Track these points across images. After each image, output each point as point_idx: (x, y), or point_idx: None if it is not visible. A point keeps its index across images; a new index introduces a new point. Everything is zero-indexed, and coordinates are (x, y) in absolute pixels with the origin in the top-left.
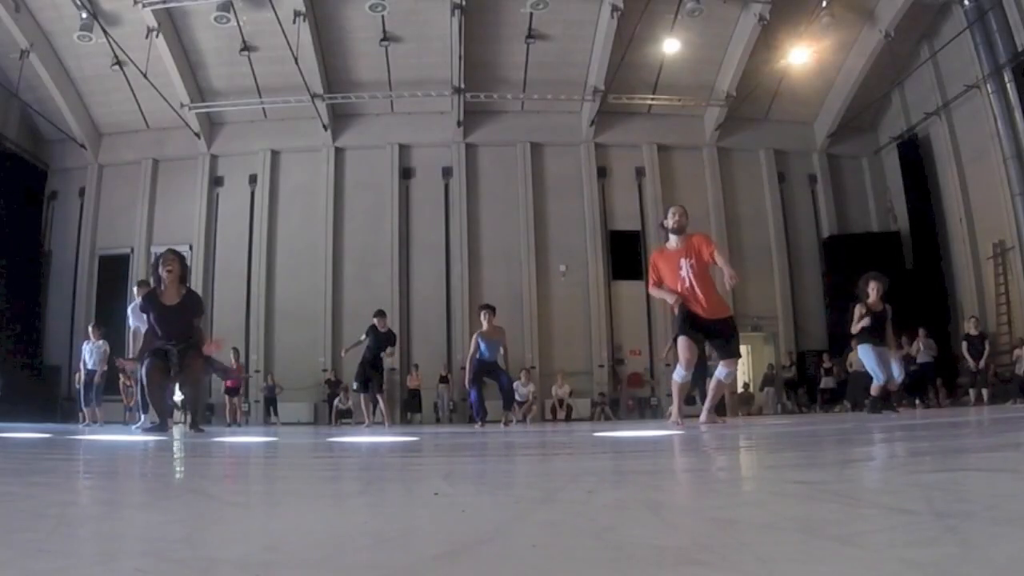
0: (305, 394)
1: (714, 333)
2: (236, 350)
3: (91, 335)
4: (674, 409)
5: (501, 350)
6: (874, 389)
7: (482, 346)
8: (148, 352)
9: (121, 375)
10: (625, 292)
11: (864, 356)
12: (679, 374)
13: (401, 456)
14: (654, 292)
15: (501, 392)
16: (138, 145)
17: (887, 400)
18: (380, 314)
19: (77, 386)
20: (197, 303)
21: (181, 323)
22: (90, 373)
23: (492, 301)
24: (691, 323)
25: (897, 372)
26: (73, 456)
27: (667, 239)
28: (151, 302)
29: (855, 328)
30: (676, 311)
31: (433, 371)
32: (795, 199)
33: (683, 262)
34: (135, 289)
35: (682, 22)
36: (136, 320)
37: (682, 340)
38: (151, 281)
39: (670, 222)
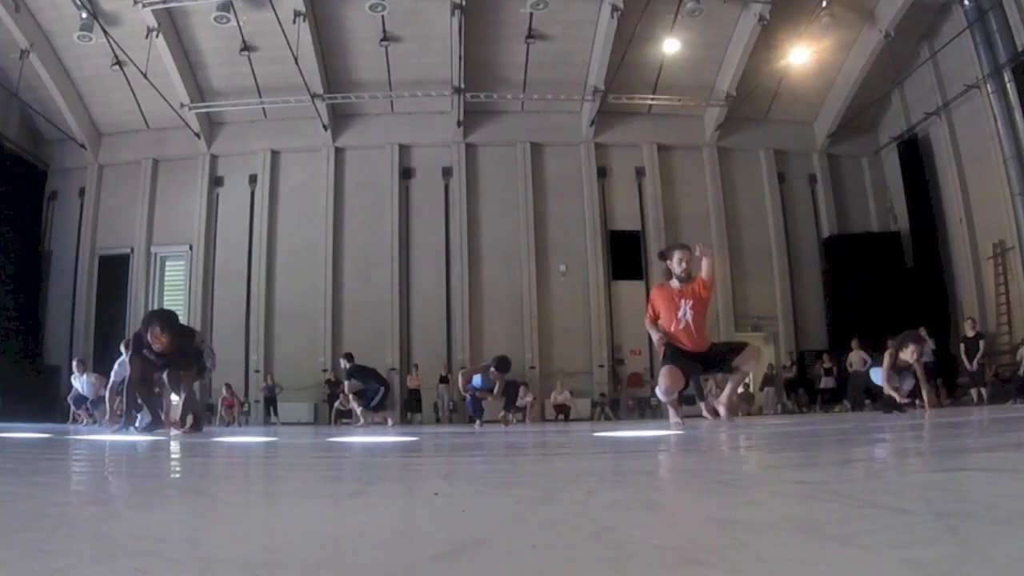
0: (305, 394)
1: (708, 360)
2: (229, 386)
3: (76, 369)
4: (672, 416)
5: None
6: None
7: (475, 379)
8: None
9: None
10: (625, 292)
11: (876, 379)
12: (660, 396)
13: (401, 456)
14: (650, 328)
15: (504, 395)
16: (138, 145)
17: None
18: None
19: (70, 400)
20: (188, 348)
21: (174, 363)
22: (83, 398)
23: (492, 301)
24: (680, 355)
25: (907, 384)
26: (73, 456)
27: (668, 277)
28: (141, 346)
29: (883, 383)
30: (662, 351)
31: (433, 371)
32: (795, 199)
33: (683, 303)
34: (123, 348)
35: (682, 22)
36: (120, 375)
37: (665, 368)
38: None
39: (677, 268)
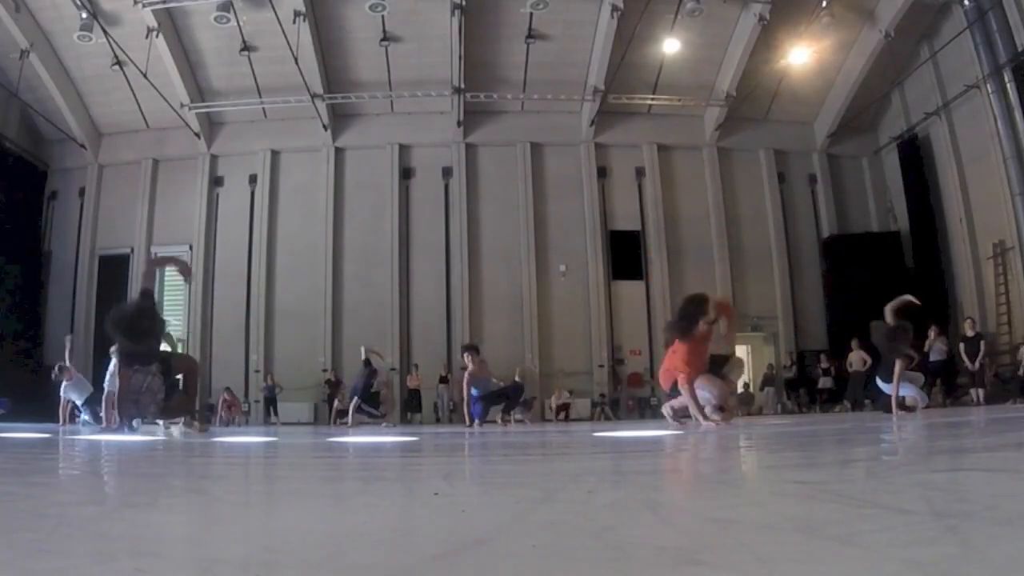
0: (305, 394)
1: None
2: (229, 389)
3: (61, 377)
4: (705, 412)
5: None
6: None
7: (474, 391)
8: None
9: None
10: (625, 292)
11: (886, 389)
12: (713, 400)
13: (401, 456)
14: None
15: (503, 398)
16: (138, 145)
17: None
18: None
19: (71, 403)
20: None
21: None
22: (87, 401)
23: (492, 301)
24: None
25: (914, 392)
26: (72, 456)
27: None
28: (132, 360)
29: (894, 391)
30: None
31: (433, 371)
32: (795, 199)
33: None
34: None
35: (682, 22)
36: (112, 383)
37: (709, 375)
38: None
39: (713, 315)
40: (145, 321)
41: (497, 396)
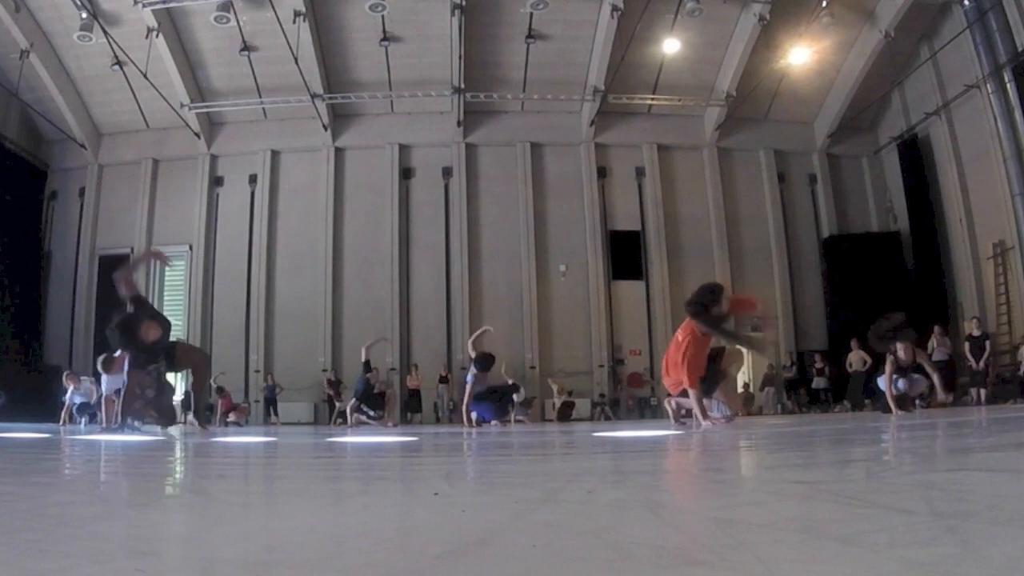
0: (305, 394)
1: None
2: (222, 388)
3: (69, 382)
4: (704, 412)
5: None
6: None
7: (477, 387)
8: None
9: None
10: (625, 292)
11: (884, 386)
12: (720, 411)
13: (401, 456)
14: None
15: (499, 400)
16: (138, 145)
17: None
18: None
19: (74, 406)
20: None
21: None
22: (86, 404)
23: (492, 301)
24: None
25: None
26: (73, 456)
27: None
28: (141, 362)
29: (886, 388)
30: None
31: (433, 371)
32: (795, 199)
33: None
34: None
35: (682, 22)
36: (111, 384)
37: (734, 395)
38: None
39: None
40: (144, 328)
41: (490, 393)
